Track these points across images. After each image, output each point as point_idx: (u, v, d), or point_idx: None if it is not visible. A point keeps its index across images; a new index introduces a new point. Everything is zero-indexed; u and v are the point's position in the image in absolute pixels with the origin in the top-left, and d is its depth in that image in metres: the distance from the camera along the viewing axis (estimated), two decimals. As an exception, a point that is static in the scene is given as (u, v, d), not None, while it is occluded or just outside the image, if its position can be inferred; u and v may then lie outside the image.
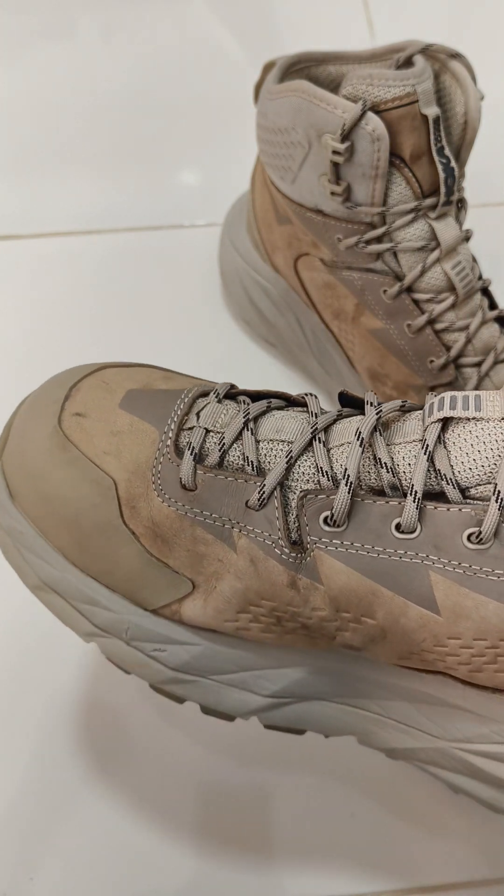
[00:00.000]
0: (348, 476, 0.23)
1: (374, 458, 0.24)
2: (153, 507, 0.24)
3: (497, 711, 0.25)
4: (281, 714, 0.27)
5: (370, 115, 0.31)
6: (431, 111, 0.32)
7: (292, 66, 0.36)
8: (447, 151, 0.33)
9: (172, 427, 0.25)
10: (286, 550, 0.23)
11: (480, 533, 0.22)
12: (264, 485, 0.24)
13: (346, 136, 0.32)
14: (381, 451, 0.23)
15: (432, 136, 0.33)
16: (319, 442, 0.24)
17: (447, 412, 0.23)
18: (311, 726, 0.27)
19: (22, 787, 0.33)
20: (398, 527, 0.23)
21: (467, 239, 0.36)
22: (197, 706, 0.27)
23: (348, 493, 0.23)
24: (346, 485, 0.23)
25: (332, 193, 0.34)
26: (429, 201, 0.34)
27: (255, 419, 0.26)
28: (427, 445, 0.23)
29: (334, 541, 0.23)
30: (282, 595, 0.24)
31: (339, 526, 0.23)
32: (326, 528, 0.23)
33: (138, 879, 0.31)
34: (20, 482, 0.26)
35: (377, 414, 0.24)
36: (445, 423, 0.23)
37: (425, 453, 0.23)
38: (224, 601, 0.24)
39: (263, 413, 0.26)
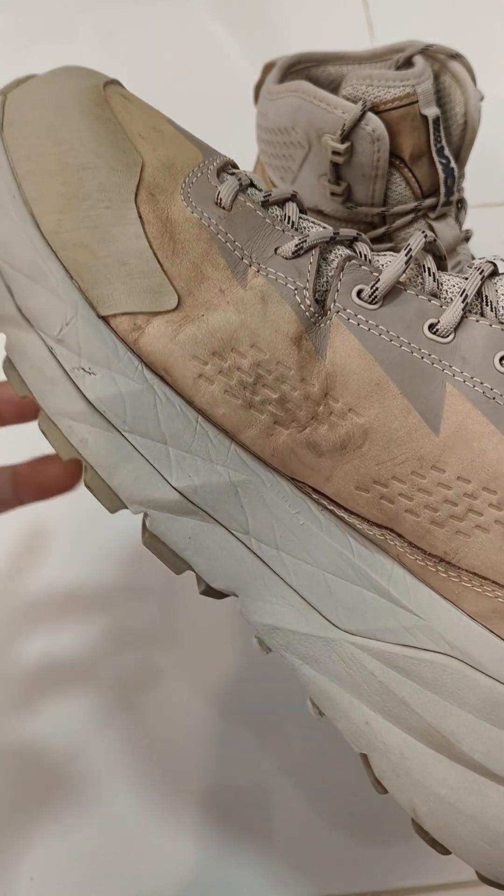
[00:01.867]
0: (409, 249, 0.21)
1: (420, 266, 0.22)
2: (174, 206, 0.22)
3: (425, 601, 0.21)
4: (175, 526, 0.22)
5: (370, 115, 0.32)
6: (431, 111, 0.32)
7: (292, 66, 0.36)
8: (447, 152, 0.33)
9: (217, 161, 0.23)
10: (307, 302, 0.21)
11: None
12: (306, 237, 0.22)
13: (345, 136, 0.32)
14: (430, 263, 0.22)
15: (432, 137, 0.33)
16: (361, 242, 0.23)
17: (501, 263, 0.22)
18: (196, 559, 0.22)
19: (21, 787, 0.33)
20: (432, 327, 0.21)
21: (467, 239, 0.36)
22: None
23: (405, 260, 0.21)
24: (406, 255, 0.21)
25: (332, 194, 0.34)
26: (428, 202, 0.34)
27: (302, 208, 0.24)
28: (482, 271, 0.21)
29: (359, 316, 0.21)
30: (279, 347, 0.21)
31: (373, 303, 0.21)
32: (357, 301, 0.21)
33: (138, 879, 0.31)
34: (26, 111, 0.22)
35: (424, 234, 0.22)
36: (493, 273, 0.22)
37: (480, 276, 0.21)
38: (206, 332, 0.21)
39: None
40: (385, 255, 0.23)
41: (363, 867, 0.32)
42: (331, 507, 0.22)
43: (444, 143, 0.33)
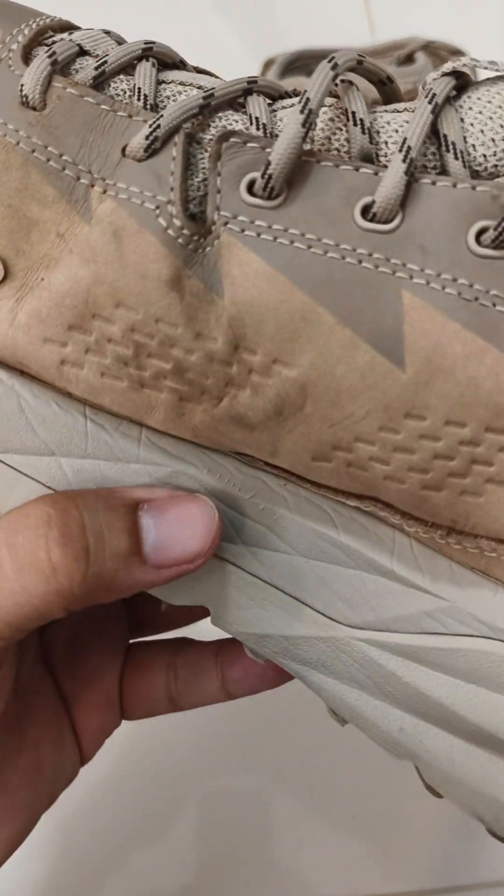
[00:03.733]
0: (307, 102, 0.14)
1: (345, 113, 0.15)
2: None
3: (444, 576, 0.16)
4: None
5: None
6: (433, 108, 0.32)
7: (292, 62, 0.36)
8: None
9: (27, 30, 0.16)
10: (177, 223, 0.14)
11: (501, 229, 0.13)
12: (160, 119, 0.14)
13: (346, 133, 0.32)
14: (354, 104, 0.15)
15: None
16: (256, 94, 0.15)
17: (465, 66, 0.15)
18: None
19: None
20: (367, 210, 0.14)
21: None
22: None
23: (302, 118, 0.14)
24: (303, 107, 0.14)
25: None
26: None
27: (162, 64, 0.16)
28: (435, 98, 0.14)
29: (258, 221, 0.14)
30: (154, 299, 0.14)
31: (273, 197, 0.14)
32: (251, 200, 0.14)
33: (138, 881, 0.31)
34: None
35: (332, 61, 0.15)
36: (460, 90, 0.15)
37: (432, 107, 0.14)
38: (52, 303, 0.15)
39: (176, 67, 0.17)
40: (285, 106, 0.16)
41: (363, 869, 0.32)
42: (296, 482, 0.16)
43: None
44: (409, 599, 0.16)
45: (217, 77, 0.17)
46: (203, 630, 0.24)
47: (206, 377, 0.15)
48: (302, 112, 0.14)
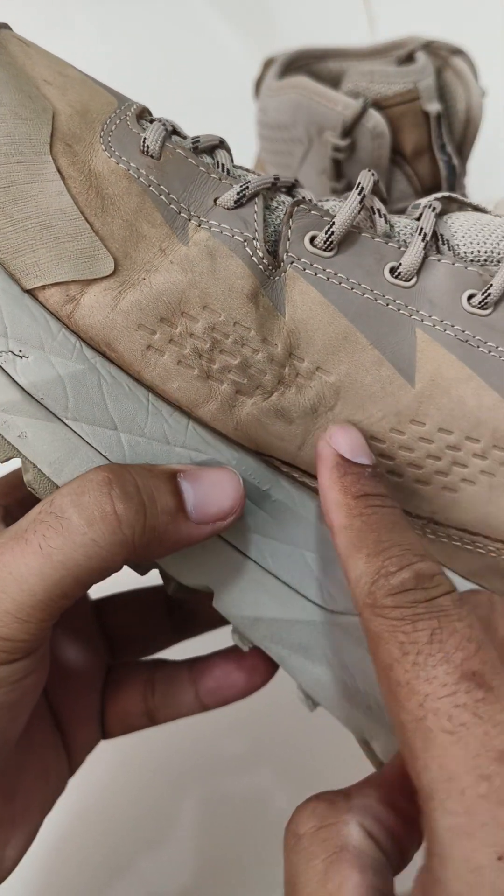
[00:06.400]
0: (361, 188, 0.20)
1: (370, 209, 0.21)
2: (96, 158, 0.19)
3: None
4: None
5: (371, 111, 0.31)
6: (433, 108, 0.32)
7: (293, 62, 0.36)
8: (449, 148, 0.33)
9: (134, 107, 0.21)
10: (259, 253, 0.19)
11: (486, 294, 0.19)
12: (248, 182, 0.20)
13: (346, 132, 0.32)
14: (377, 203, 0.21)
15: (434, 133, 0.32)
16: (299, 186, 0.21)
17: (449, 194, 0.22)
18: None
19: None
20: (393, 270, 0.19)
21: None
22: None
23: (359, 198, 0.20)
24: (359, 194, 0.20)
25: (333, 191, 0.34)
26: (430, 199, 0.34)
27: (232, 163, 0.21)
28: (434, 208, 0.20)
29: (316, 265, 0.19)
30: (235, 306, 0.19)
31: (328, 250, 0.19)
32: (311, 249, 0.19)
33: (138, 883, 0.31)
34: None
35: (371, 172, 0.21)
36: (442, 213, 0.21)
37: (433, 212, 0.20)
38: (151, 297, 0.18)
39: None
40: (329, 199, 0.21)
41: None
42: (303, 480, 0.20)
43: (445, 139, 0.33)
44: None
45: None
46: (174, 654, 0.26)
47: (264, 374, 0.19)
48: (359, 195, 0.20)
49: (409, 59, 0.34)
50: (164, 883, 0.31)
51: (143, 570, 0.21)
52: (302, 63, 0.36)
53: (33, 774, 0.22)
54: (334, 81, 0.37)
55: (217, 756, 0.34)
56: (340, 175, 0.33)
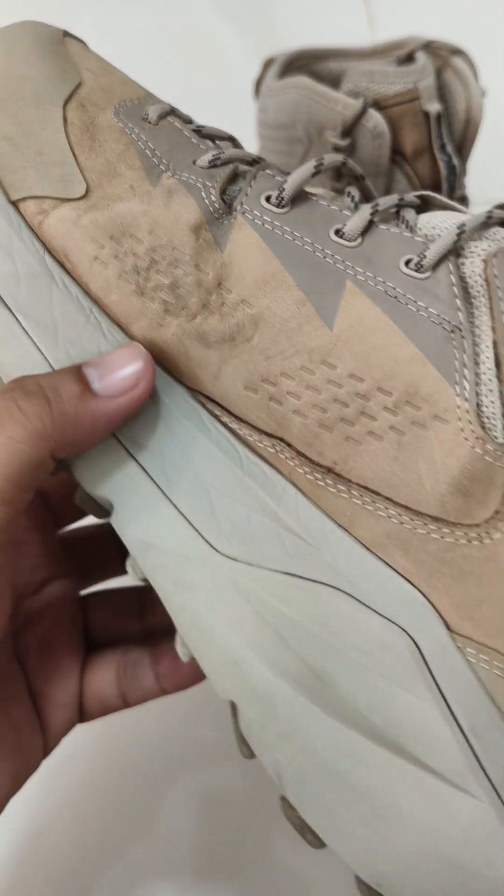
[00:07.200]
0: (321, 162, 0.22)
1: (354, 176, 0.23)
2: (102, 117, 0.22)
3: (316, 526, 0.20)
4: None
5: (371, 111, 0.31)
6: (433, 108, 0.32)
7: (293, 62, 0.36)
8: (449, 148, 0.33)
9: (161, 104, 0.24)
10: (212, 198, 0.21)
11: (422, 257, 0.20)
12: (222, 153, 0.22)
13: (346, 132, 0.32)
14: (353, 191, 0.22)
15: (434, 133, 0.32)
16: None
17: (427, 193, 0.23)
18: (75, 459, 0.22)
19: (19, 793, 0.33)
20: (338, 232, 0.21)
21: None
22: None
23: (315, 166, 0.21)
24: (317, 162, 0.21)
25: (333, 190, 0.34)
26: (430, 199, 0.34)
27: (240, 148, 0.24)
28: (403, 197, 0.22)
29: (265, 217, 0.21)
30: (177, 234, 0.21)
31: (279, 206, 0.21)
32: (264, 205, 0.21)
33: (135, 881, 0.31)
34: None
35: (344, 159, 0.23)
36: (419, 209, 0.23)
37: (399, 198, 0.22)
38: (108, 218, 0.21)
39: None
40: (318, 189, 0.23)
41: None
42: (224, 420, 0.21)
43: (445, 139, 0.33)
44: (281, 540, 0.20)
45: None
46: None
47: (191, 296, 0.21)
48: (315, 164, 0.21)
49: (409, 59, 0.34)
50: (164, 882, 0.31)
51: (100, 513, 0.22)
52: (302, 63, 0.36)
53: (7, 748, 0.23)
54: (334, 81, 0.37)
55: (216, 754, 0.34)
56: (340, 175, 0.33)
